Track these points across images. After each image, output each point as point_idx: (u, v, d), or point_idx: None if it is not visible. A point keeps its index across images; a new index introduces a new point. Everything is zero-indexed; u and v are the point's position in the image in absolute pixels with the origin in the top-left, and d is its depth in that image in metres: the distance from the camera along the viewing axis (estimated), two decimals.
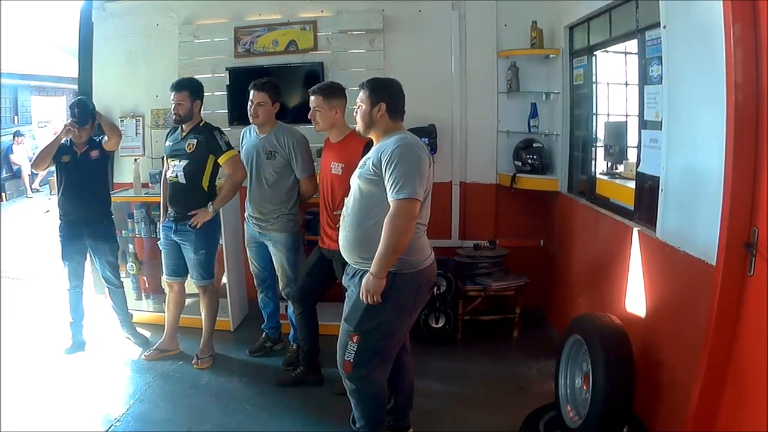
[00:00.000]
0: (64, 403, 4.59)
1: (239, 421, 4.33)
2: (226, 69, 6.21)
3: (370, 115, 3.48)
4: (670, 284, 3.54)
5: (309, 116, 4.40)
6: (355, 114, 3.59)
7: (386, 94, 3.51)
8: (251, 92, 4.81)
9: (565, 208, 5.53)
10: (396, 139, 3.36)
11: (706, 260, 3.06)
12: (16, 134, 15.26)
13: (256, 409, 4.48)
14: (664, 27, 3.54)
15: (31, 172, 14.70)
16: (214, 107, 6.20)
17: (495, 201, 6.12)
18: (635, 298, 3.93)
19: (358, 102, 3.54)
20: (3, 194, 14.35)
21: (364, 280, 3.32)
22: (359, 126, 3.56)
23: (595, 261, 4.79)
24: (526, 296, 5.68)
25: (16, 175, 15.44)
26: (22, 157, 15.31)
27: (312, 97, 4.36)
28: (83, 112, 5.20)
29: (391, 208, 3.22)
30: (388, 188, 3.25)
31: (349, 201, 3.52)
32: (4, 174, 14.76)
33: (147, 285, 6.36)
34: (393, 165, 3.24)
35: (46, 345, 5.58)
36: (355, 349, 3.42)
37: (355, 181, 3.50)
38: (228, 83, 6.17)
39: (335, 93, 4.34)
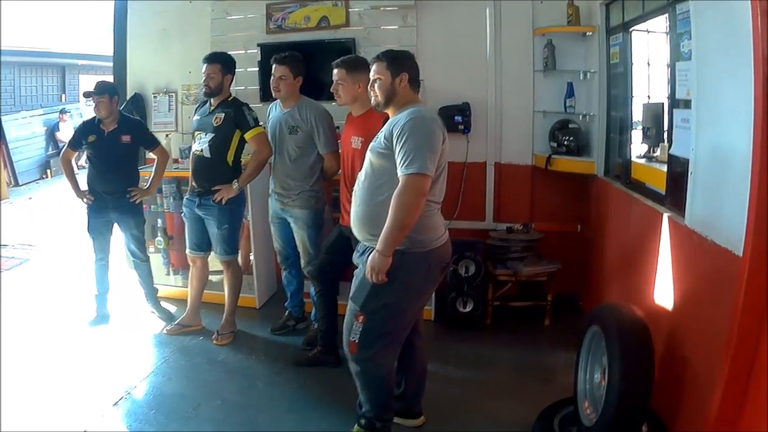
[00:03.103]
0: (81, 374, 4.61)
1: (249, 399, 4.29)
2: (258, 45, 6.15)
3: (392, 87, 3.35)
4: (696, 275, 3.33)
5: (332, 89, 4.29)
6: (370, 89, 3.46)
7: (407, 64, 3.40)
8: (273, 66, 4.74)
9: (600, 192, 5.34)
10: (410, 111, 3.23)
11: (733, 250, 2.84)
12: (62, 111, 15.40)
13: (269, 388, 4.44)
14: None
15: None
16: (247, 83, 6.18)
17: (530, 183, 5.93)
18: (663, 289, 3.73)
19: (375, 75, 3.41)
20: (49, 170, 14.52)
21: (369, 258, 3.19)
22: (378, 99, 3.41)
23: (628, 248, 4.60)
24: (560, 282, 5.50)
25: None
26: (67, 134, 15.08)
27: (335, 70, 4.26)
28: (102, 85, 5.26)
29: (399, 183, 3.08)
30: (398, 162, 3.12)
31: (361, 176, 3.41)
32: (50, 151, 14.90)
33: (175, 260, 6.32)
34: (404, 138, 3.10)
35: (71, 317, 5.61)
36: (360, 329, 3.30)
37: (367, 156, 3.38)
38: (260, 59, 6.08)
39: (359, 66, 4.19)
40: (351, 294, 3.39)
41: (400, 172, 3.09)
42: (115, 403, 4.20)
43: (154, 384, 4.49)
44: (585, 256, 5.66)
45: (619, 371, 3.15)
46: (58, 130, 14.96)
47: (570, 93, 5.62)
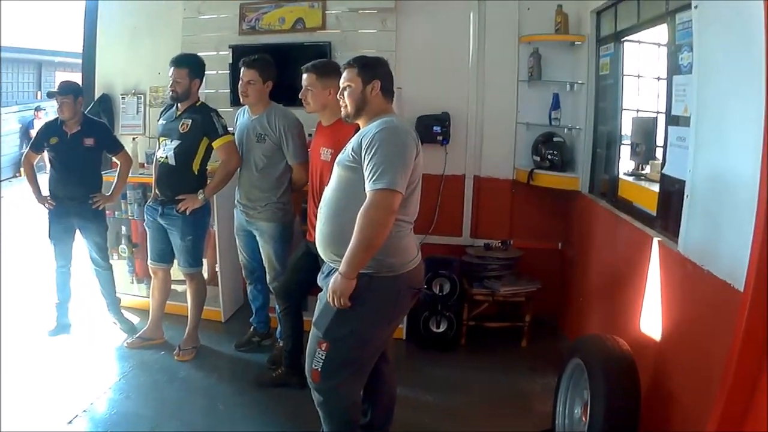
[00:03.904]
0: (37, 387, 4.43)
1: (209, 422, 4.10)
2: (230, 47, 5.96)
3: (363, 95, 3.13)
4: (688, 306, 3.11)
5: (300, 95, 4.08)
6: (339, 97, 3.23)
7: (379, 72, 3.19)
8: (241, 69, 4.53)
9: (584, 209, 5.14)
10: (381, 122, 3.00)
11: (732, 283, 2.61)
12: (38, 108, 15.22)
13: (231, 409, 4.27)
14: (695, 7, 3.10)
15: None
16: (218, 86, 6.01)
17: (511, 198, 5.73)
18: (650, 319, 3.51)
19: (345, 82, 3.19)
20: (21, 169, 14.32)
21: (332, 280, 2.95)
22: (348, 110, 3.19)
23: (612, 271, 4.38)
24: (539, 303, 5.28)
25: None
26: None
27: (304, 75, 4.06)
28: (66, 85, 5.06)
29: (366, 199, 2.84)
30: (366, 176, 2.88)
31: (327, 191, 3.18)
32: (24, 149, 14.63)
33: (140, 269, 6.06)
34: (373, 151, 2.87)
35: (32, 326, 5.42)
36: (323, 357, 3.05)
37: (335, 169, 3.14)
38: (231, 62, 5.87)
39: (330, 72, 3.96)
40: (314, 319, 3.15)
41: (368, 187, 2.85)
42: (70, 422, 4.01)
43: (111, 402, 4.29)
44: (566, 276, 5.47)
45: (602, 409, 3.00)
46: (33, 128, 14.80)
47: (555, 105, 5.43)
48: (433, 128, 5.54)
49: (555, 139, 5.37)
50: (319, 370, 3.08)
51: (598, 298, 4.68)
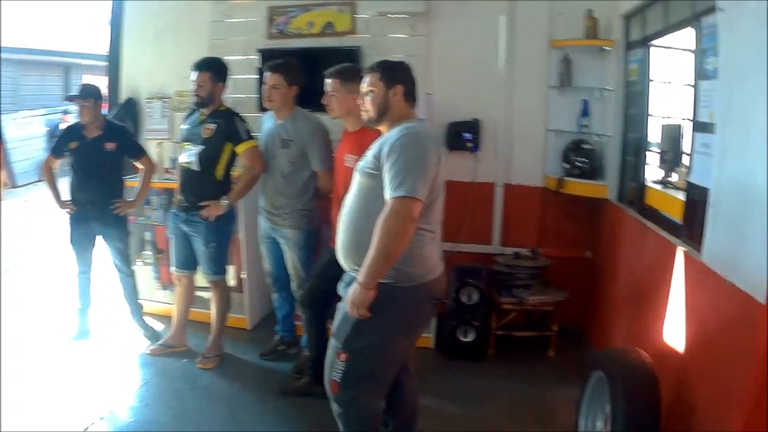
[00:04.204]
0: (55, 392, 4.36)
1: (228, 431, 4.06)
2: (258, 50, 5.88)
3: (385, 100, 3.08)
4: (711, 318, 3.02)
5: (324, 101, 4.05)
6: (361, 102, 3.19)
7: (402, 76, 3.14)
8: (266, 74, 4.48)
9: (612, 217, 5.05)
10: (402, 128, 2.95)
11: (755, 296, 2.52)
12: (65, 112, 15.23)
13: (251, 418, 4.19)
14: (721, 9, 3.03)
15: None
16: (246, 91, 5.93)
17: (541, 206, 5.64)
18: (673, 330, 3.43)
19: (367, 87, 3.14)
20: None
21: (350, 290, 2.90)
22: (369, 114, 3.14)
23: (638, 281, 4.29)
24: (568, 312, 5.22)
25: None
26: None
27: (328, 80, 4.05)
28: (87, 89, 5.01)
29: (385, 207, 2.79)
30: (385, 184, 2.83)
31: (348, 198, 3.12)
32: None
33: (164, 276, 5.98)
34: (393, 157, 2.82)
35: (53, 330, 5.39)
36: (342, 368, 3.01)
37: (355, 176, 3.10)
38: (259, 66, 5.78)
39: (354, 77, 3.91)
40: (333, 329, 3.12)
41: (387, 194, 2.80)
42: (86, 429, 3.95)
43: (131, 409, 4.24)
44: (594, 285, 5.37)
45: (623, 423, 2.94)
46: (59, 131, 14.76)
47: (585, 111, 5.34)
48: (463, 135, 5.48)
49: (584, 146, 5.29)
50: (338, 380, 3.03)
51: (625, 307, 4.59)
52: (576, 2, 5.27)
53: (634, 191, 4.65)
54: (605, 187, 5.11)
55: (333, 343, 3.09)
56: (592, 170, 5.22)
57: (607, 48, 5.17)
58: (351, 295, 2.88)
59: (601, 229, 5.34)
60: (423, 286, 2.99)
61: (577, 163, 5.25)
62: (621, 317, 4.65)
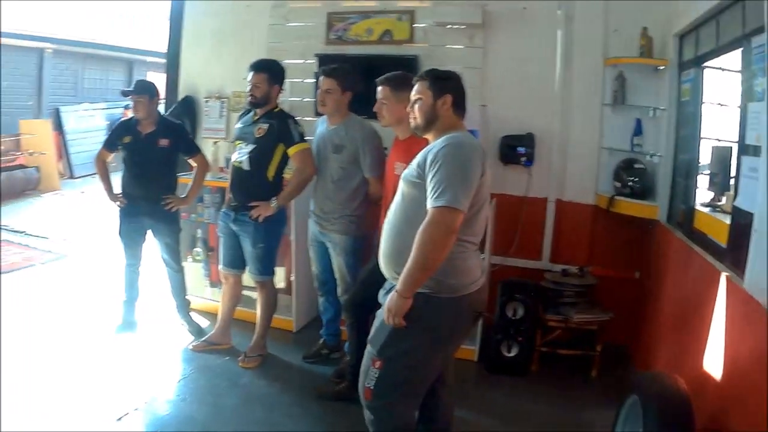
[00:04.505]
0: (95, 381, 4.47)
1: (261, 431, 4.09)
2: (315, 55, 5.94)
3: (433, 109, 3.09)
4: (749, 347, 2.96)
5: (375, 109, 4.07)
6: (409, 110, 3.20)
7: (451, 86, 3.13)
8: (320, 78, 4.51)
9: (661, 239, 4.98)
10: (448, 137, 2.95)
11: None
12: (127, 107, 15.46)
13: (286, 419, 4.21)
14: None
15: None
16: (303, 95, 6.00)
17: (591, 224, 5.59)
18: (713, 357, 3.37)
19: (416, 95, 3.15)
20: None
21: (388, 298, 2.91)
22: (417, 122, 3.15)
23: (683, 304, 4.22)
24: (613, 332, 5.13)
25: None
26: None
27: (379, 88, 4.06)
28: (141, 84, 5.10)
29: (426, 217, 2.78)
30: (428, 193, 2.82)
31: (392, 207, 3.13)
32: None
33: (214, 274, 6.05)
34: (437, 167, 2.82)
35: (99, 320, 5.49)
36: (376, 375, 3.01)
37: (400, 185, 3.10)
38: (316, 70, 5.85)
39: (404, 85, 3.86)
40: (369, 336, 3.12)
41: (429, 204, 2.79)
42: (119, 419, 4.03)
43: (166, 403, 4.32)
44: (641, 306, 5.29)
45: None
46: None
47: (638, 130, 5.29)
48: (517, 149, 5.49)
49: (636, 165, 5.24)
50: (372, 388, 3.04)
51: (668, 331, 4.52)
52: (632, 19, 5.23)
53: (683, 213, 4.59)
54: (656, 208, 5.04)
55: (369, 350, 3.09)
56: (644, 190, 5.17)
57: (661, 67, 5.12)
58: (388, 302, 2.89)
59: (649, 250, 5.26)
60: (463, 298, 2.98)
61: (628, 182, 5.19)
62: (664, 341, 4.59)
